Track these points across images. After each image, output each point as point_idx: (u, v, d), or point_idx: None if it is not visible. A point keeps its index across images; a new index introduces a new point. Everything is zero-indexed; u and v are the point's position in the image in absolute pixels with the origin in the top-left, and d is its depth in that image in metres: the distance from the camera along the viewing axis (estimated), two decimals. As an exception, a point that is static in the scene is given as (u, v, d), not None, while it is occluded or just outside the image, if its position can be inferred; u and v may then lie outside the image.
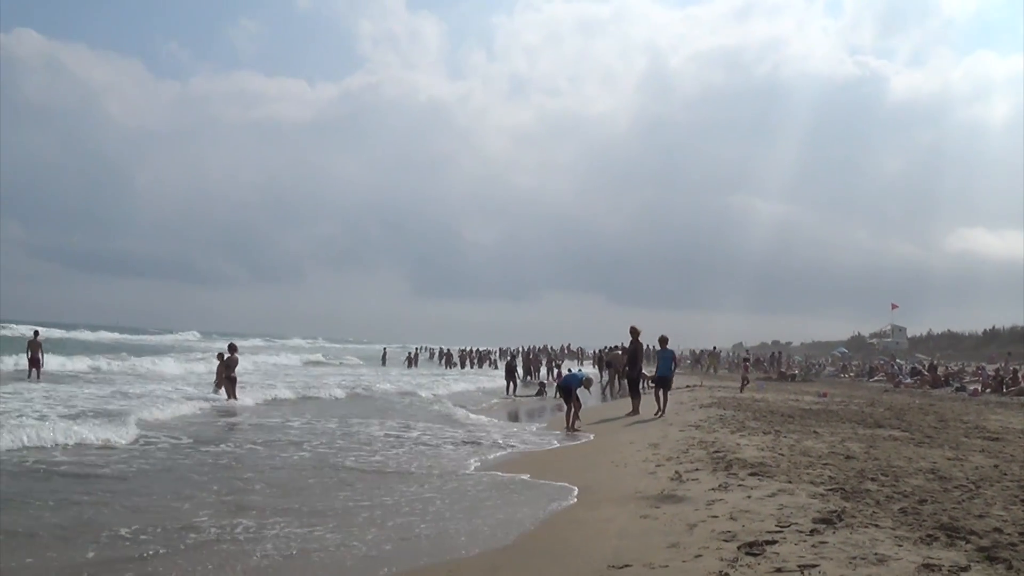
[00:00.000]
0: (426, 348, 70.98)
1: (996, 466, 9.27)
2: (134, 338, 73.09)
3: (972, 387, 30.30)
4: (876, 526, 5.91)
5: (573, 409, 15.97)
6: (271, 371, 37.10)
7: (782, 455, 9.73)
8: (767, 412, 16.69)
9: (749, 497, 7.14)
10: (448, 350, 54.09)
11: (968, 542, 5.43)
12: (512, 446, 13.26)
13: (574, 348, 62.24)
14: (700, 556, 5.31)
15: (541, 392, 26.61)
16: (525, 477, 9.94)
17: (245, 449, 12.00)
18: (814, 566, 4.89)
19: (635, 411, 17.46)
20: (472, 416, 18.52)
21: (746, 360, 35.39)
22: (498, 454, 12.35)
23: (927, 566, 4.85)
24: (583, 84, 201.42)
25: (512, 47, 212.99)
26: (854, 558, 5.04)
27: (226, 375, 19.79)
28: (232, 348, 20.30)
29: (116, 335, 75.29)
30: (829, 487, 7.55)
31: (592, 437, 14.47)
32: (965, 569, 4.82)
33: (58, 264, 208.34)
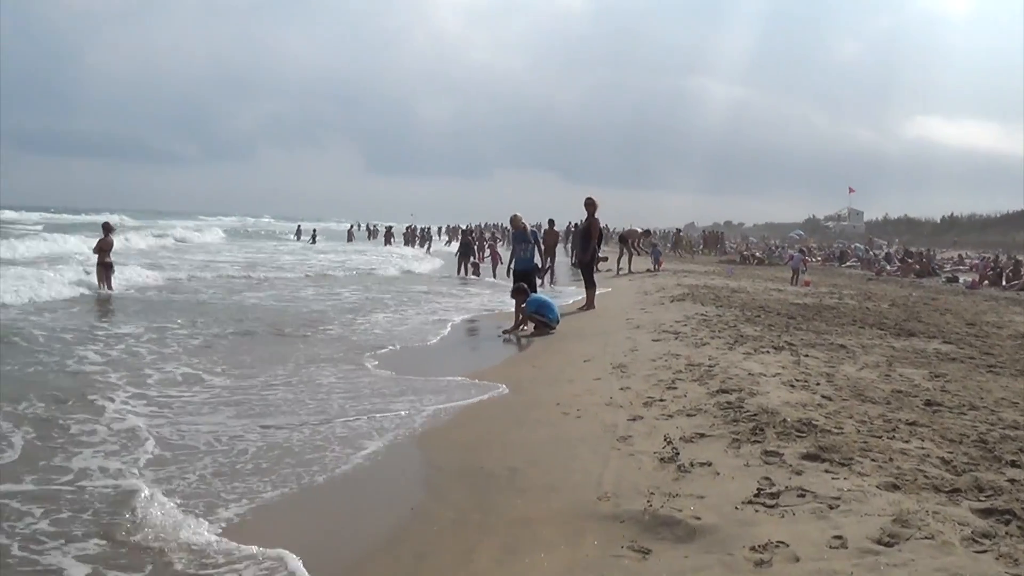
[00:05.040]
0: (366, 225, 65.84)
1: None
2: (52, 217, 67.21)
3: (967, 279, 26.61)
4: None
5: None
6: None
7: (829, 400, 6.06)
8: (757, 308, 13.18)
9: (839, 538, 3.35)
10: (389, 228, 47.89)
11: None
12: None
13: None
14: None
15: (475, 272, 23.94)
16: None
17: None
18: None
19: (589, 304, 14.35)
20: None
21: (803, 252, 27.98)
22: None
23: None
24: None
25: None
26: None
27: (99, 261, 15.94)
28: (107, 228, 16.32)
29: (36, 214, 69.16)
30: (972, 497, 3.84)
31: (532, 345, 10.77)
32: None
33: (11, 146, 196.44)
